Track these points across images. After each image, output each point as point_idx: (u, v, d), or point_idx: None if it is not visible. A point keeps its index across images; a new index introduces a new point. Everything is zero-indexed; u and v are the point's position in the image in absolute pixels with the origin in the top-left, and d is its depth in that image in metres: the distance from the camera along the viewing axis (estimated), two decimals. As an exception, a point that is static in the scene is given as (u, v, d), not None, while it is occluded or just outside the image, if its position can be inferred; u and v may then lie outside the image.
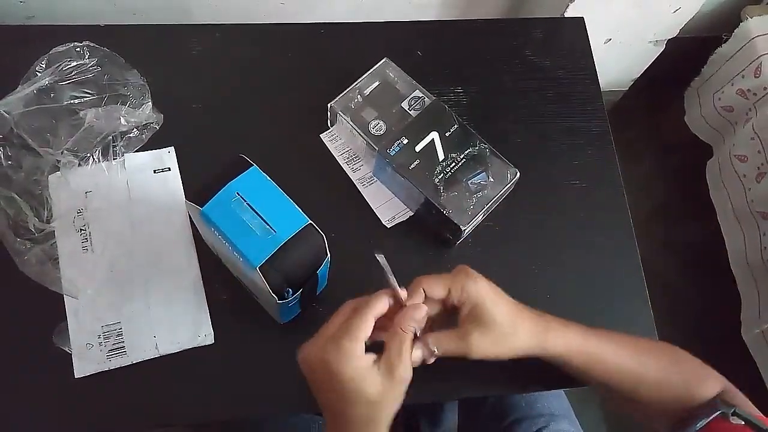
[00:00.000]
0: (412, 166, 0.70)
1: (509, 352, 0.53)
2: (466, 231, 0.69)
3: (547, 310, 0.71)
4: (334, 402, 0.49)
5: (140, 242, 0.70)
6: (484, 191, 0.70)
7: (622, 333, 0.60)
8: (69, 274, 0.67)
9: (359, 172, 0.75)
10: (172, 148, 0.74)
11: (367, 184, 0.75)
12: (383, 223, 0.73)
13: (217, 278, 0.69)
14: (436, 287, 0.53)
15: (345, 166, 0.75)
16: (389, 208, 0.74)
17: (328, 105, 0.74)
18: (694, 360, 0.60)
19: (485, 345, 0.52)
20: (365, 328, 0.49)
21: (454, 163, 0.70)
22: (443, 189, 0.69)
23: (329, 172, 0.76)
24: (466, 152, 0.71)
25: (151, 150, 0.74)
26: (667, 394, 0.58)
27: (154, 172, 0.73)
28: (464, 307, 0.53)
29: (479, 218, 0.70)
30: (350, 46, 0.82)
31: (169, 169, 0.73)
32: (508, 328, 0.53)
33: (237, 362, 0.66)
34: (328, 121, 0.77)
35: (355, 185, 0.75)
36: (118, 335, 0.66)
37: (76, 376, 0.64)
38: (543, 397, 0.80)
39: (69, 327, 0.65)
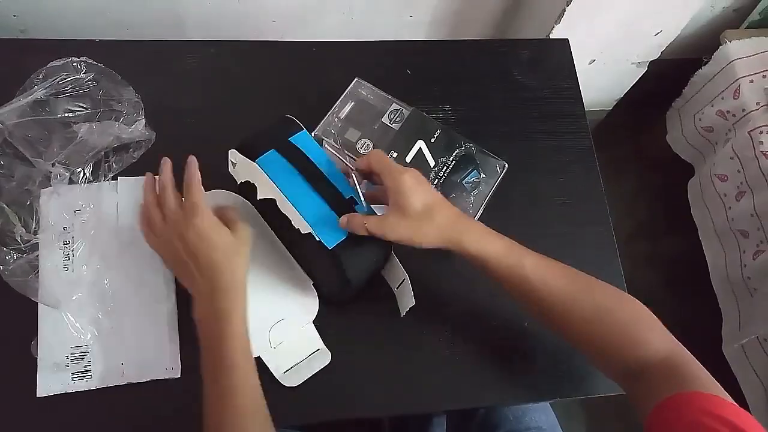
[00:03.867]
0: None
1: (422, 239, 0.60)
2: None
3: (532, 324, 0.72)
4: (201, 257, 0.59)
5: (122, 266, 0.69)
6: (479, 188, 0.72)
7: (566, 265, 0.62)
8: (48, 287, 0.66)
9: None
10: None
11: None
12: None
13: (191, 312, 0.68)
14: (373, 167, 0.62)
15: None
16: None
17: (312, 134, 0.74)
18: (641, 310, 0.60)
19: (400, 228, 0.59)
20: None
21: (445, 167, 0.72)
22: (441, 193, 0.71)
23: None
24: (454, 154, 0.73)
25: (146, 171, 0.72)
26: (601, 333, 0.59)
27: None
28: (389, 196, 0.61)
29: (479, 214, 0.71)
30: (340, 65, 0.84)
31: None
32: (422, 216, 0.59)
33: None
34: None
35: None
36: (86, 358, 0.65)
37: (38, 394, 0.63)
38: (530, 411, 0.80)
39: (39, 344, 0.64)
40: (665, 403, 0.51)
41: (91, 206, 0.70)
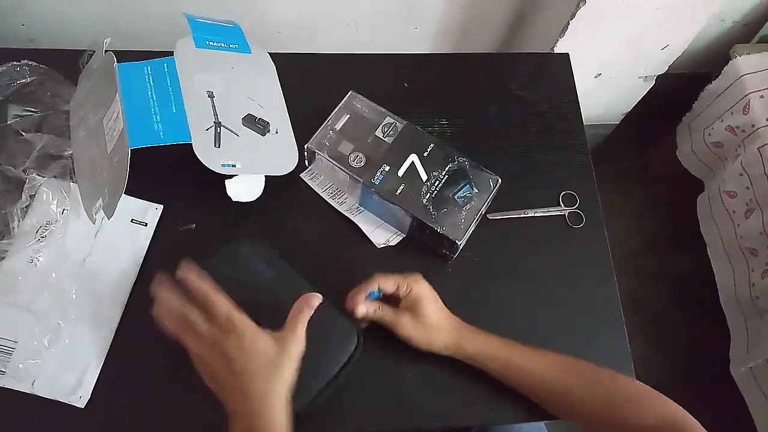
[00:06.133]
0: (399, 191, 0.71)
1: (429, 342, 0.66)
2: (461, 244, 0.71)
3: (525, 340, 0.71)
4: (237, 382, 0.54)
5: (80, 281, 0.69)
6: (471, 203, 0.71)
7: (549, 350, 0.66)
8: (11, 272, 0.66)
9: (345, 204, 0.76)
10: (161, 206, 0.74)
11: (355, 214, 0.76)
12: (377, 247, 0.75)
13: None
14: (388, 283, 0.66)
15: (331, 201, 0.77)
16: (380, 233, 0.76)
17: (305, 146, 0.75)
18: (630, 384, 0.63)
19: (411, 327, 0.65)
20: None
21: (438, 181, 0.72)
22: (432, 208, 0.70)
23: (317, 208, 0.77)
24: (447, 168, 0.73)
25: (139, 199, 0.73)
26: (593, 412, 0.62)
27: (131, 221, 0.72)
28: (405, 299, 0.66)
29: (471, 229, 0.71)
30: (337, 77, 0.84)
31: (146, 225, 0.72)
32: (433, 324, 0.66)
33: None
34: (306, 161, 0.78)
35: (344, 216, 0.76)
36: (6, 353, 0.64)
37: None
38: (523, 428, 0.79)
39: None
40: None
41: (75, 211, 0.69)
